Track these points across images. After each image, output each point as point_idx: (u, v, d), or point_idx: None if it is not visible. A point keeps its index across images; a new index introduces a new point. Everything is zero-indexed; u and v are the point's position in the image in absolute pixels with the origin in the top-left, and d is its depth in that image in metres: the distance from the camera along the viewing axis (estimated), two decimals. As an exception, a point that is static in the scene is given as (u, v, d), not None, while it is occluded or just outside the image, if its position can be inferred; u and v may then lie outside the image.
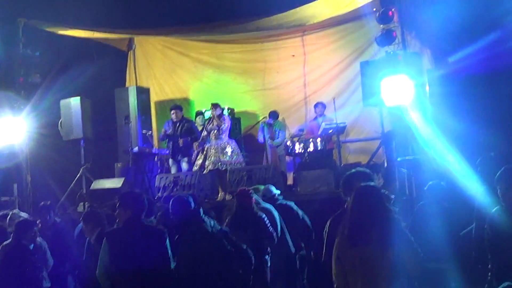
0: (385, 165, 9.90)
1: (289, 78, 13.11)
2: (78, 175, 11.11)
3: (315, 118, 11.81)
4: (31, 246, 6.53)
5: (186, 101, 13.63)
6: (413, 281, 4.20)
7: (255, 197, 6.85)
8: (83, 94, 11.47)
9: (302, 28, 12.31)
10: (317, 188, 9.59)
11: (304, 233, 7.31)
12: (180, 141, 11.04)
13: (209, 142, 10.46)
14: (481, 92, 8.60)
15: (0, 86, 10.88)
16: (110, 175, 11.41)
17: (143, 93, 12.62)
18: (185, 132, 11.13)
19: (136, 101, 12.15)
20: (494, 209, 4.72)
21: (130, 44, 13.98)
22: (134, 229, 5.15)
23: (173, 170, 11.32)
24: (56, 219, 7.70)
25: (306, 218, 7.41)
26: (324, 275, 4.79)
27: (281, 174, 10.95)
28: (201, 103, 13.14)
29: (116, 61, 13.66)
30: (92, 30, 11.83)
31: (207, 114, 11.48)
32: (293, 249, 7.04)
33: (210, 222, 5.71)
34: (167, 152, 11.58)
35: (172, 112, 11.32)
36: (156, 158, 11.92)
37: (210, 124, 10.48)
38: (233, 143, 10.56)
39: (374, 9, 9.55)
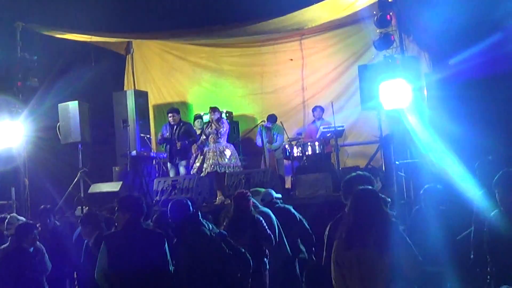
0: (384, 168, 9.92)
1: (287, 81, 13.13)
2: (76, 179, 11.10)
3: (313, 121, 11.83)
4: (31, 249, 6.52)
5: (185, 104, 13.64)
6: (412, 285, 4.20)
7: (253, 200, 6.85)
8: (81, 97, 11.46)
9: (300, 32, 12.33)
10: (315, 191, 9.58)
11: (303, 236, 7.31)
12: (178, 144, 11.04)
13: (207, 146, 10.47)
14: (479, 96, 8.61)
15: (-2, 90, 10.88)
16: (108, 178, 11.39)
17: (141, 96, 12.61)
18: (183, 135, 11.12)
19: (134, 105, 12.14)
20: (493, 213, 4.73)
21: (128, 47, 14.00)
22: (133, 233, 5.15)
23: (172, 174, 11.31)
24: (56, 223, 7.70)
25: (305, 222, 7.40)
26: (324, 279, 4.78)
27: (279, 177, 10.94)
28: (199, 107, 13.15)
29: (114, 64, 13.66)
30: (90, 34, 11.82)
31: (206, 118, 11.47)
32: (290, 253, 7.04)
33: (208, 226, 5.72)
34: (165, 155, 11.58)
35: (169, 115, 11.32)
36: (154, 162, 11.90)
37: (208, 128, 10.49)
38: (232, 147, 10.58)
39: (374, 12, 9.56)
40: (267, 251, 6.64)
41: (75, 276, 7.37)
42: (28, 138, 10.97)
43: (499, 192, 4.68)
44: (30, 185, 11.02)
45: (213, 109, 10.48)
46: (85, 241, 6.23)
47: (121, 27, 11.75)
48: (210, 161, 10.25)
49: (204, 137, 10.51)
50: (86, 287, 5.85)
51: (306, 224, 7.37)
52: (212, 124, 10.40)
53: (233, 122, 12.30)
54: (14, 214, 8.33)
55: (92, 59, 12.48)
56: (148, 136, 12.14)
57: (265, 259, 6.63)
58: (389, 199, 4.50)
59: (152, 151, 12.19)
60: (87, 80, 11.50)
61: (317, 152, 10.72)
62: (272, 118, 11.96)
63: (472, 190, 5.93)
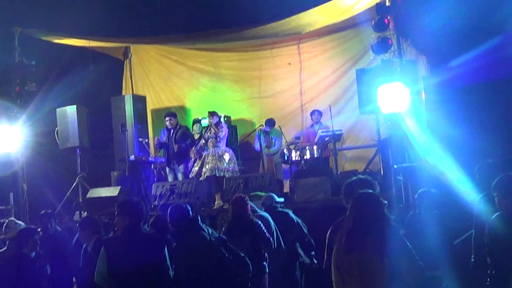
0: (382, 172, 9.92)
1: (286, 86, 13.14)
2: (74, 184, 11.10)
3: (312, 125, 11.83)
4: (33, 255, 6.51)
5: (183, 109, 13.65)
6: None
7: (250, 204, 6.85)
8: (79, 102, 11.47)
9: (298, 36, 12.34)
10: (314, 196, 9.56)
11: (302, 240, 7.31)
12: (175, 147, 11.04)
13: (206, 150, 10.47)
14: (477, 99, 8.63)
15: (-4, 95, 10.89)
16: (107, 183, 11.38)
17: (140, 101, 12.62)
18: (180, 138, 11.12)
19: (132, 110, 12.15)
20: (493, 216, 4.74)
21: (126, 52, 14.02)
22: (132, 237, 5.15)
23: (170, 178, 11.29)
24: (58, 228, 7.69)
25: (304, 226, 7.41)
26: (323, 282, 4.77)
27: (278, 182, 10.92)
28: (197, 111, 13.16)
29: (112, 69, 13.68)
30: (88, 39, 11.82)
31: (204, 122, 11.47)
32: (289, 257, 7.04)
33: (208, 230, 5.72)
34: (164, 160, 11.57)
35: (166, 119, 11.33)
36: (152, 167, 11.91)
37: (207, 132, 10.48)
38: (230, 151, 10.57)
39: (372, 16, 9.57)
40: (266, 255, 6.64)
41: (74, 280, 7.35)
42: (26, 143, 10.99)
43: (497, 195, 4.72)
44: (28, 190, 11.02)
45: (212, 114, 10.49)
46: (84, 245, 6.23)
47: (119, 32, 11.78)
48: (209, 165, 10.25)
49: (204, 141, 10.51)
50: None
51: (305, 229, 7.38)
52: (211, 128, 10.40)
53: (231, 127, 12.30)
54: (12, 218, 8.33)
55: (90, 64, 12.47)
56: (146, 140, 12.14)
57: (265, 262, 6.63)
58: (386, 201, 4.49)
59: (151, 155, 12.19)
60: (85, 85, 11.51)
61: (316, 156, 10.71)
62: (270, 122, 11.97)
63: (470, 194, 5.94)
